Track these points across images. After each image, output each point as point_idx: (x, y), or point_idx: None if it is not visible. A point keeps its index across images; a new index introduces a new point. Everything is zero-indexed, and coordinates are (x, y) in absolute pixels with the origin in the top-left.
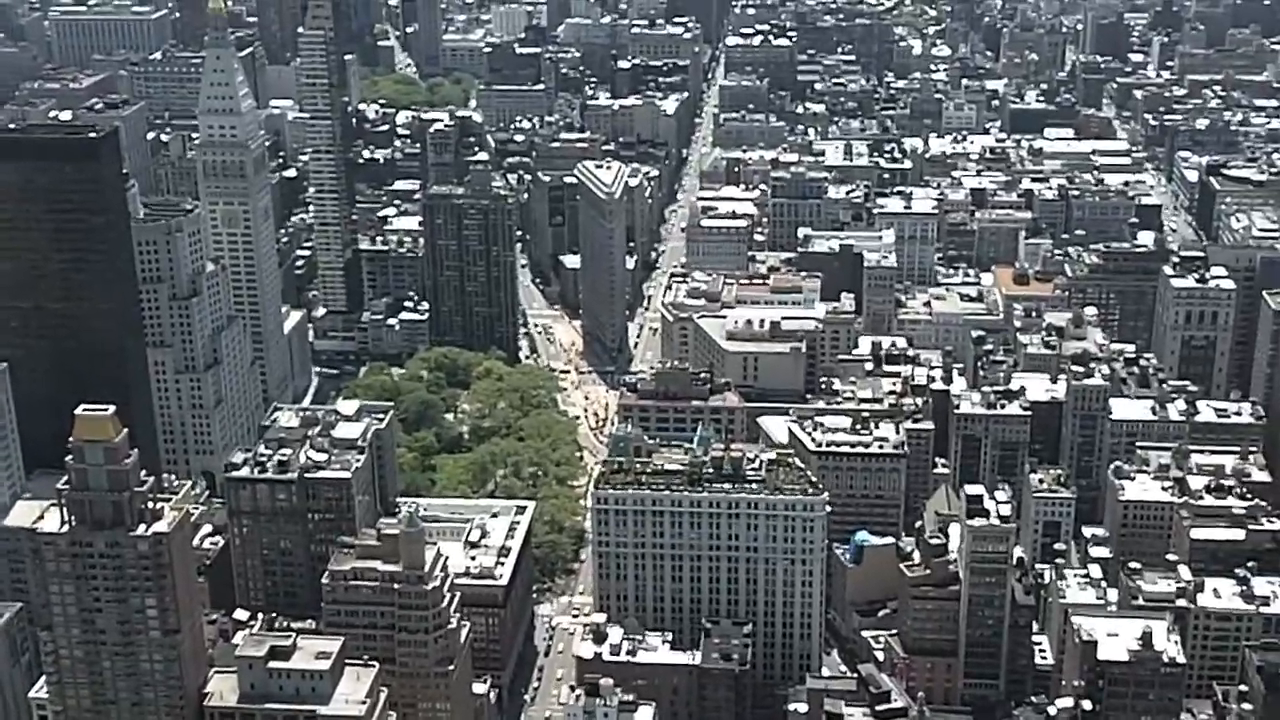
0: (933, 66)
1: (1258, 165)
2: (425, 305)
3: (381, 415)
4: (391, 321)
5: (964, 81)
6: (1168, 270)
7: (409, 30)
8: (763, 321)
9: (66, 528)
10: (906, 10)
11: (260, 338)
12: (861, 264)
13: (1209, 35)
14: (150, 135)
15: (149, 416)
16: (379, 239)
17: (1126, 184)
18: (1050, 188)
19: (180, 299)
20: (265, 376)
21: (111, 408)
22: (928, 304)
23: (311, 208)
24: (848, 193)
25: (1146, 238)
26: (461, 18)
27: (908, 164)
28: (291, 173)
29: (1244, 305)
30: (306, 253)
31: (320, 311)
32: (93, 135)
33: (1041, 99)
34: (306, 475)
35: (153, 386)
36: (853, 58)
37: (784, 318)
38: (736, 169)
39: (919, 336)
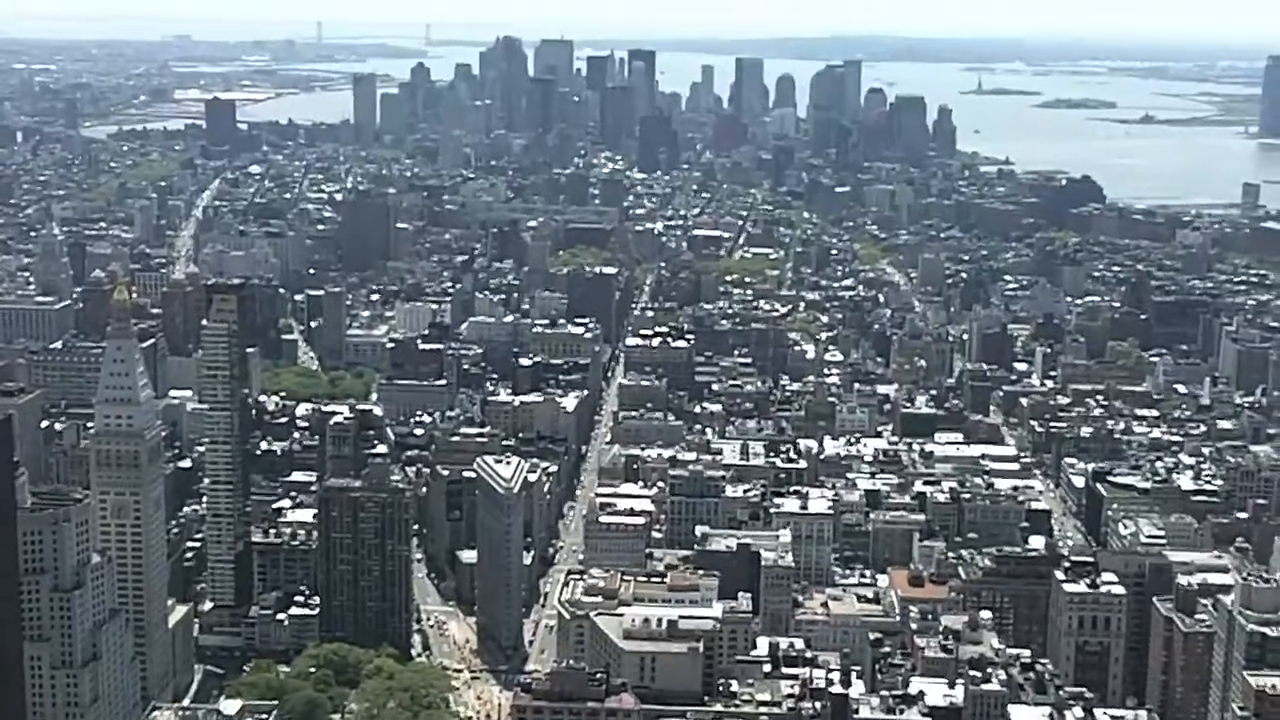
0: (826, 371)
1: (1141, 473)
2: (316, 600)
3: (265, 716)
4: (281, 616)
5: (856, 386)
6: (1060, 575)
7: (313, 324)
8: (660, 620)
9: None
10: (800, 317)
11: (143, 631)
12: (759, 563)
13: (1089, 347)
14: (44, 424)
15: (20, 714)
16: (272, 531)
17: (1016, 488)
18: (942, 490)
19: (63, 591)
20: (145, 673)
21: None
22: (825, 605)
23: (205, 499)
24: (745, 492)
25: (1038, 542)
26: (366, 313)
27: (803, 464)
28: (186, 463)
29: (1135, 611)
30: (197, 544)
31: (208, 605)
32: None
33: (931, 404)
34: None
35: (26, 683)
36: (749, 360)
37: (682, 616)
38: (635, 466)
39: (817, 638)
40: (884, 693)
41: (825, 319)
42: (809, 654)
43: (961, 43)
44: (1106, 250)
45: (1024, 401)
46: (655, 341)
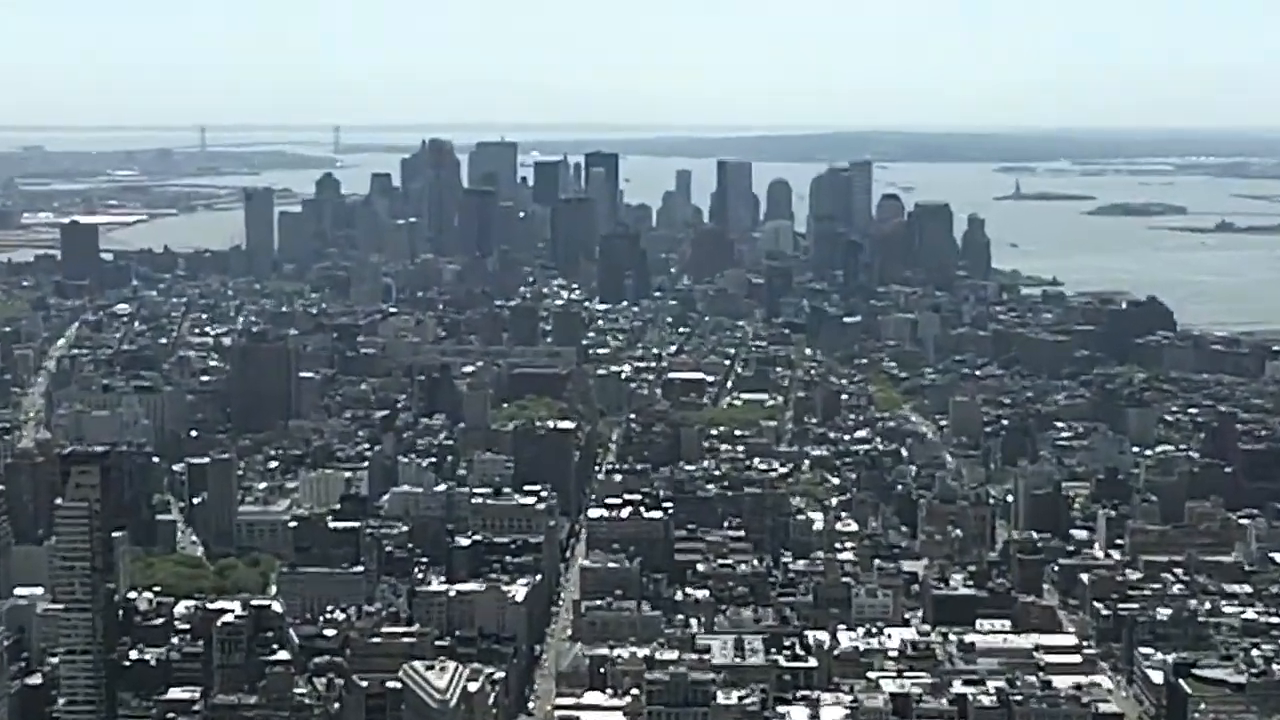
0: (838, 545)
1: (1234, 664)
2: None
3: None
4: None
5: (876, 562)
6: None
7: (196, 501)
8: None
9: None
10: (805, 478)
11: None
12: None
13: (1164, 509)
14: None
15: None
16: None
17: (1079, 687)
18: (988, 692)
19: None
20: None
21: None
22: None
23: None
24: (740, 699)
25: None
26: (262, 486)
27: (813, 663)
28: (37, 679)
29: None
30: None
31: None
32: None
33: (970, 584)
34: None
35: None
36: (742, 534)
37: None
38: (603, 670)
39: None
40: None
41: (836, 480)
42: None
43: (993, 138)
44: (1180, 389)
45: (1085, 578)
46: (625, 512)
